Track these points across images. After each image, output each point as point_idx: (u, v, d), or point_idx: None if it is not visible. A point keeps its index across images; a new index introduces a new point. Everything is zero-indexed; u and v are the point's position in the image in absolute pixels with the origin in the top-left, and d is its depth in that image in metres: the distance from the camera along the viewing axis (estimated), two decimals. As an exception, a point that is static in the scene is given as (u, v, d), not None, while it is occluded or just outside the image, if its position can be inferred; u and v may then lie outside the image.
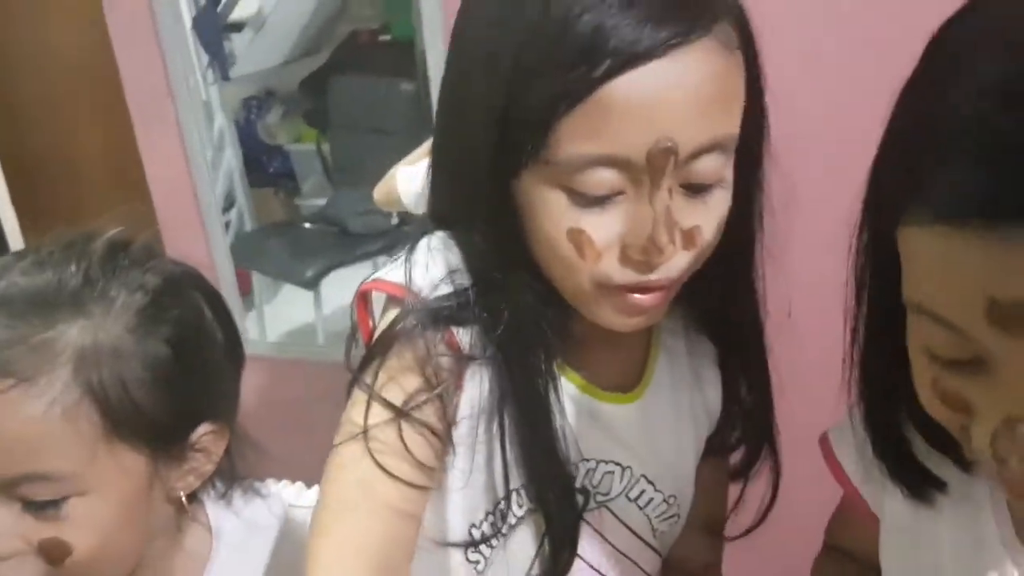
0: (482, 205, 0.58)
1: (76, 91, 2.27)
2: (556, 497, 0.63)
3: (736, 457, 0.74)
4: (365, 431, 0.58)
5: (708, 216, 0.55)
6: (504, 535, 0.65)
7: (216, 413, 0.64)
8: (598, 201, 0.53)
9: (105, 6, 1.50)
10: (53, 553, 0.55)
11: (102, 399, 0.56)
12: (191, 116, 1.62)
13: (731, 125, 0.53)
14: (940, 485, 0.53)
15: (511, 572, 0.66)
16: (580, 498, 0.65)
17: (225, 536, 0.69)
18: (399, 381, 0.59)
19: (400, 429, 0.59)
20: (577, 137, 0.51)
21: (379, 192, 1.45)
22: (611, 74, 0.49)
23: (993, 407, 0.40)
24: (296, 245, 1.98)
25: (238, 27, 1.93)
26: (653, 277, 0.55)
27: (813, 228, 1.03)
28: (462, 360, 0.60)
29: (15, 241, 2.36)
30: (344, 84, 1.99)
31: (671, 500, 0.69)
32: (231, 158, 1.94)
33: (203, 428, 0.62)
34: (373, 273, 0.64)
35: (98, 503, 0.57)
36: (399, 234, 1.82)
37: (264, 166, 2.08)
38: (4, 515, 0.55)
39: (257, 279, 1.95)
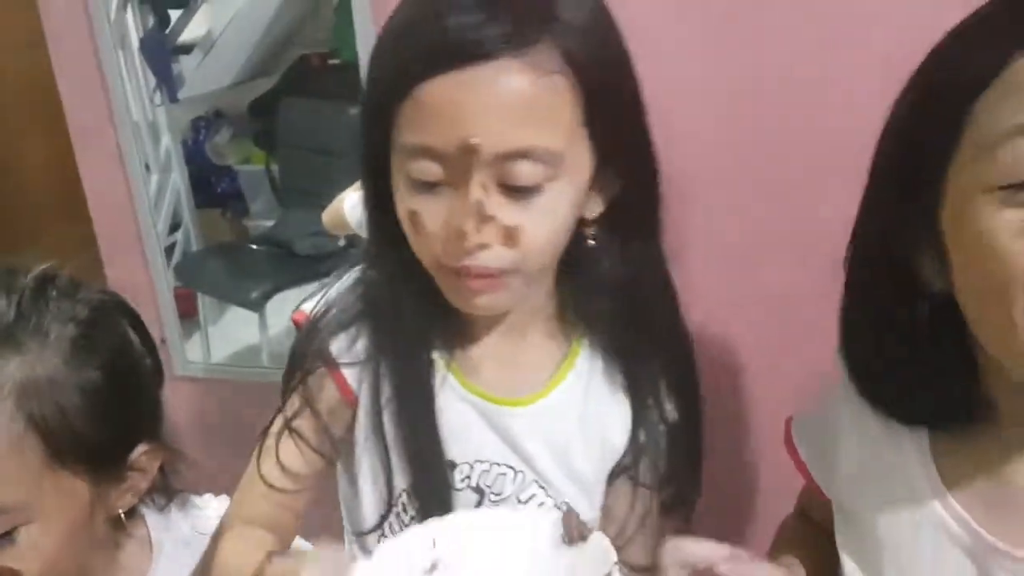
0: (371, 191, 0.68)
1: (17, 110, 2.27)
2: (431, 496, 0.70)
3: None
4: (262, 435, 0.72)
5: (533, 219, 0.61)
6: (408, 526, 0.72)
7: (150, 433, 0.69)
8: (427, 187, 0.61)
9: (46, 30, 1.52)
10: None
11: (44, 429, 0.60)
12: (132, 141, 1.64)
13: (545, 139, 0.59)
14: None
15: None
16: (475, 496, 0.72)
17: (165, 549, 0.74)
18: (292, 398, 0.72)
19: (278, 439, 0.71)
20: (406, 128, 0.60)
21: (327, 216, 1.50)
22: (426, 75, 0.58)
23: None
24: (242, 266, 2.01)
25: (187, 49, 1.95)
26: (470, 263, 0.61)
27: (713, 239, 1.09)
28: (336, 369, 0.70)
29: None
30: (293, 106, 2.03)
31: (563, 507, 0.74)
32: (177, 179, 1.96)
33: (140, 448, 0.67)
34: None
35: (45, 529, 0.61)
36: (347, 255, 1.86)
37: (212, 187, 2.11)
38: None
39: (202, 301, 1.97)
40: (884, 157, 0.57)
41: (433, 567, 0.55)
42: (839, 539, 0.68)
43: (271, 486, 0.72)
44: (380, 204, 0.66)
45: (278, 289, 1.92)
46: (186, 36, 1.92)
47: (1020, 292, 0.49)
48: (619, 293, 0.70)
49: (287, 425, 0.71)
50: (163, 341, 1.71)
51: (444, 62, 0.57)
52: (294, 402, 0.71)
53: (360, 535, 0.75)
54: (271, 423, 0.73)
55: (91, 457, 0.64)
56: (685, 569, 0.55)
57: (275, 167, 2.10)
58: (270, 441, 0.72)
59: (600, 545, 0.54)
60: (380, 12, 1.35)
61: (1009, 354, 0.52)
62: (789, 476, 0.75)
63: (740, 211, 1.07)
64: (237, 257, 2.04)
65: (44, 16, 1.52)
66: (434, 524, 0.58)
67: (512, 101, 0.58)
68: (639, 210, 0.68)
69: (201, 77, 2.00)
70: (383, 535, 0.74)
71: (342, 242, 1.87)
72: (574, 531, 0.55)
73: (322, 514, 0.84)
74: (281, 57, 2.02)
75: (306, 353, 0.71)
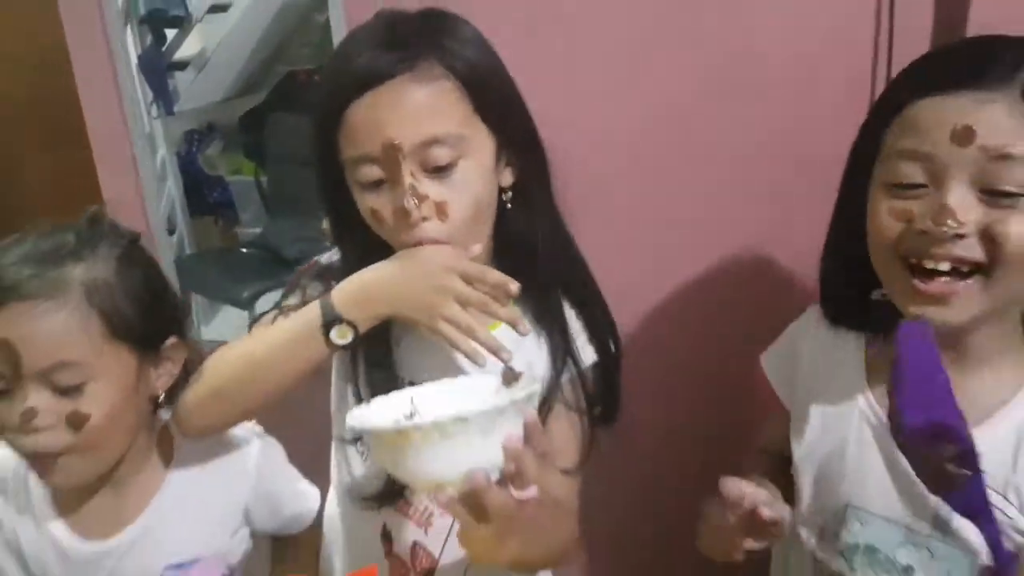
0: (331, 203, 0.87)
1: (25, 127, 2.43)
2: None
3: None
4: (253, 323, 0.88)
5: (454, 193, 0.80)
6: None
7: (178, 330, 0.89)
8: (373, 186, 0.81)
9: (71, 47, 1.68)
10: (76, 421, 0.80)
11: (103, 314, 0.82)
12: (142, 149, 1.81)
13: (446, 127, 0.79)
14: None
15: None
16: None
17: (186, 441, 0.92)
18: (289, 297, 0.89)
19: (273, 321, 0.86)
20: (346, 146, 0.80)
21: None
22: (349, 101, 0.78)
23: (926, 207, 0.73)
24: (233, 268, 2.15)
25: (182, 66, 2.13)
26: (420, 235, 0.80)
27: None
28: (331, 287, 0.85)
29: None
30: (281, 120, 2.19)
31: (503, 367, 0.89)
32: (172, 188, 2.13)
33: (171, 340, 0.88)
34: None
35: (105, 386, 0.82)
36: (332, 257, 2.01)
37: (205, 196, 2.27)
38: (43, 397, 0.80)
39: (195, 303, 2.12)
40: (851, 157, 0.85)
41: (411, 414, 0.74)
42: (793, 439, 0.90)
43: None
44: (338, 208, 0.86)
45: (267, 289, 2.04)
46: (181, 54, 2.11)
47: (890, 253, 0.77)
48: (529, 247, 0.88)
49: (280, 309, 0.87)
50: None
51: (361, 88, 0.77)
52: (290, 300, 0.88)
53: (341, 440, 0.94)
54: (263, 315, 0.90)
55: (137, 338, 0.84)
56: (737, 508, 0.73)
57: (264, 178, 2.28)
58: (265, 319, 0.88)
59: (527, 377, 0.73)
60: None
61: (892, 293, 0.79)
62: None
63: (660, 212, 1.22)
64: (229, 260, 2.20)
65: (69, 36, 1.67)
66: (410, 388, 0.78)
67: (414, 104, 0.78)
68: (535, 177, 0.88)
69: (195, 92, 2.18)
70: (356, 441, 0.92)
71: (327, 245, 2.03)
72: (508, 376, 0.74)
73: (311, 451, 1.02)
74: (270, 74, 2.21)
75: (306, 279, 0.90)
